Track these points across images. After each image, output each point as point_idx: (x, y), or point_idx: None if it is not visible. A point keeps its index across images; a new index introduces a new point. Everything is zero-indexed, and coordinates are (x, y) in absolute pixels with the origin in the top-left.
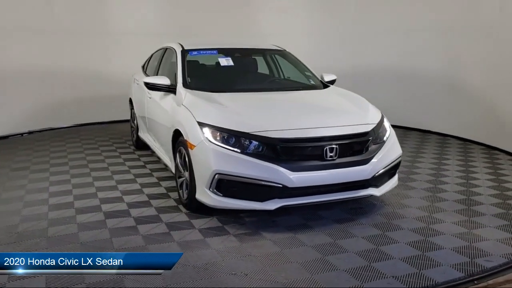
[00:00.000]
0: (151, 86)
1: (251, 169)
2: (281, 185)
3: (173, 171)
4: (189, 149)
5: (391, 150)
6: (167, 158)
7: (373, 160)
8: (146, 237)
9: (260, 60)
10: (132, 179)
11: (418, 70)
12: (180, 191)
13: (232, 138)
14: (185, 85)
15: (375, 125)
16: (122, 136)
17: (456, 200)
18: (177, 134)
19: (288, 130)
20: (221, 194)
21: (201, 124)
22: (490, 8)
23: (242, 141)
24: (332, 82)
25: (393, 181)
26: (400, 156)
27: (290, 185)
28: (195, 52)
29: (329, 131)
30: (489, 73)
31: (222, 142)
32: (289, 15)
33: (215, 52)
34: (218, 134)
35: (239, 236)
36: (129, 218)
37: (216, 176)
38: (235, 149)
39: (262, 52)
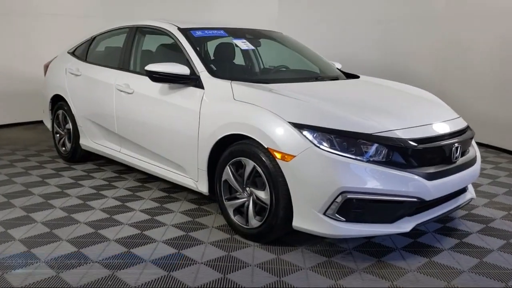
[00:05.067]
0: (159, 77)
1: (384, 181)
2: (415, 199)
3: (205, 190)
4: (279, 161)
5: (473, 144)
6: (179, 173)
7: (478, 159)
8: None
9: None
10: (121, 205)
11: (360, 60)
12: (236, 218)
13: (345, 142)
14: (212, 74)
15: (461, 117)
16: (25, 145)
17: (505, 193)
18: (222, 142)
19: (414, 128)
20: (344, 219)
21: (299, 126)
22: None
23: (361, 145)
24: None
25: None
26: None
27: (427, 198)
28: (199, 32)
29: (446, 126)
30: (436, 63)
31: (337, 150)
32: None
33: (222, 32)
34: (328, 138)
35: (375, 272)
36: (199, 265)
37: (342, 196)
38: (358, 157)
39: (269, 35)
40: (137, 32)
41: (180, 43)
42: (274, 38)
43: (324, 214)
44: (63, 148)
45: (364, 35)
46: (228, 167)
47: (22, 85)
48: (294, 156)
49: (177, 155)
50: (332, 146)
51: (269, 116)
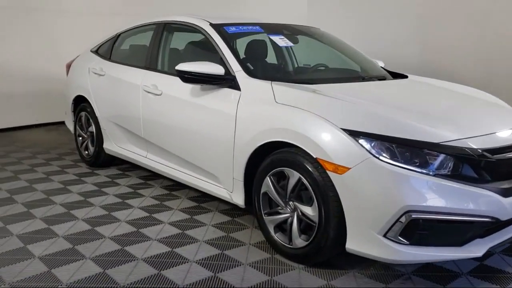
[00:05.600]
0: (191, 77)
1: (454, 198)
2: (489, 218)
3: (240, 202)
4: (331, 173)
5: None
6: (211, 182)
7: None
8: None
9: None
10: (149, 217)
11: (395, 56)
12: (277, 235)
13: (408, 152)
14: (249, 74)
15: None
16: (46, 148)
17: None
18: (261, 149)
19: (485, 137)
20: (407, 242)
21: (354, 133)
22: None
23: (427, 156)
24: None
25: None
26: None
27: (503, 217)
28: (233, 29)
29: None
30: (479, 61)
31: (400, 161)
32: None
33: (257, 28)
34: (388, 147)
35: None
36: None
37: (406, 216)
38: (423, 170)
39: (306, 31)
40: (165, 29)
41: (213, 40)
42: (311, 35)
43: (385, 236)
44: (86, 152)
45: (400, 31)
46: (268, 177)
47: (43, 85)
48: (349, 168)
49: (210, 163)
50: (393, 157)
51: (318, 121)
